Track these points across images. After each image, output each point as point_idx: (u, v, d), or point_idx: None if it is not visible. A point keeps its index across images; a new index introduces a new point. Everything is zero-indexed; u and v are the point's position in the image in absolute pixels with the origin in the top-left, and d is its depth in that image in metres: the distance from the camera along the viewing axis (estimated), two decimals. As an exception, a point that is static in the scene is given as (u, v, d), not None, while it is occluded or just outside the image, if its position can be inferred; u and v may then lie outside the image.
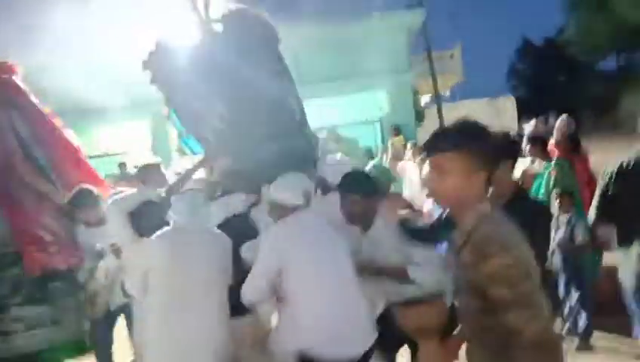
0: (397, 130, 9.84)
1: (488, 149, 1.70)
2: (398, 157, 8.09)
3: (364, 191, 2.99)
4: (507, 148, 2.64)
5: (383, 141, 10.47)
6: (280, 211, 2.86)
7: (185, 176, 3.60)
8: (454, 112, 20.22)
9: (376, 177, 3.36)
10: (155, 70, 3.75)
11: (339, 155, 4.38)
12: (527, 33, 34.22)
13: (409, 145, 8.01)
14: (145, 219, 3.32)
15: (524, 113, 20.85)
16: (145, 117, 10.85)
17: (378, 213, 3.07)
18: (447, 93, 26.66)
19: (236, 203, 3.44)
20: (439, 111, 12.54)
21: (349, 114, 10.91)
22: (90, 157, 10.58)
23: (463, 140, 1.69)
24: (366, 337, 2.68)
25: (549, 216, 3.31)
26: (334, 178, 3.36)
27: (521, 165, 5.00)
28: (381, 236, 2.99)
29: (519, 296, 1.56)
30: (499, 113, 23.11)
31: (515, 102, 23.53)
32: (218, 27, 3.77)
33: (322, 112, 10.69)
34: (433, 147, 1.74)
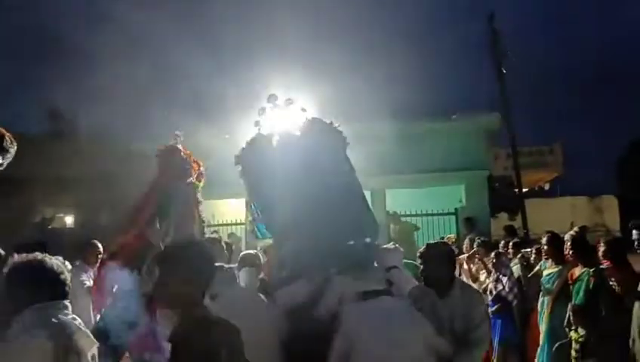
0: (471, 223, 10.33)
1: None
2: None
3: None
4: None
5: (458, 231, 11.01)
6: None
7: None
8: (552, 208, 20.21)
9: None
10: (244, 164, 4.59)
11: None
12: (636, 131, 32.49)
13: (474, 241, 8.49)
14: None
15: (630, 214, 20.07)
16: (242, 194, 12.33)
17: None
18: (547, 187, 26.29)
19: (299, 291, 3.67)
20: (522, 206, 12.85)
21: (430, 204, 11.61)
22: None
23: None
24: None
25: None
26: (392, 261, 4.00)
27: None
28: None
29: None
30: (600, 212, 22.47)
31: (617, 202, 22.73)
32: (297, 133, 4.49)
33: (408, 201, 11.65)
34: None
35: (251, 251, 4.63)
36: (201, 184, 5.53)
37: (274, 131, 4.61)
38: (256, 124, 4.78)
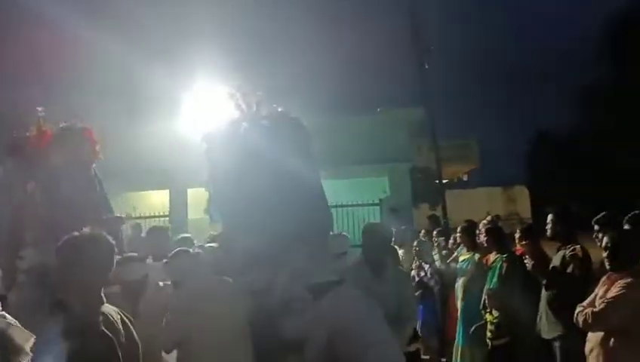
0: (394, 214, 10.68)
1: None
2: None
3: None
4: None
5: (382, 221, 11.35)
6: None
7: None
8: (469, 198, 21.25)
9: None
10: (210, 144, 4.41)
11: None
12: (542, 126, 34.66)
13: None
14: None
15: (539, 203, 21.49)
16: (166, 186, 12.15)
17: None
18: (465, 178, 27.59)
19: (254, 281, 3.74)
20: (442, 196, 13.40)
21: (355, 195, 11.87)
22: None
23: None
24: None
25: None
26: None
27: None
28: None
29: None
30: (513, 201, 23.92)
31: (527, 192, 24.27)
32: (265, 122, 4.37)
33: (332, 192, 11.82)
34: None
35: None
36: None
37: (238, 119, 4.45)
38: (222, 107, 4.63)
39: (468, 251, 6.12)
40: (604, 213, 4.88)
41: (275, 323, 3.42)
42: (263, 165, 4.10)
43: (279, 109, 4.49)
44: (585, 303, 3.66)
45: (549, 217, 4.88)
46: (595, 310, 3.49)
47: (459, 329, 5.86)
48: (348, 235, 5.67)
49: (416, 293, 6.71)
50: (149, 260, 4.53)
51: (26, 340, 2.31)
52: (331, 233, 4.85)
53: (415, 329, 5.06)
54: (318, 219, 4.17)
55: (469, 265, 5.90)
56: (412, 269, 7.19)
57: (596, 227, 4.77)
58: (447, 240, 8.00)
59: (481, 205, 19.45)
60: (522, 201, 23.97)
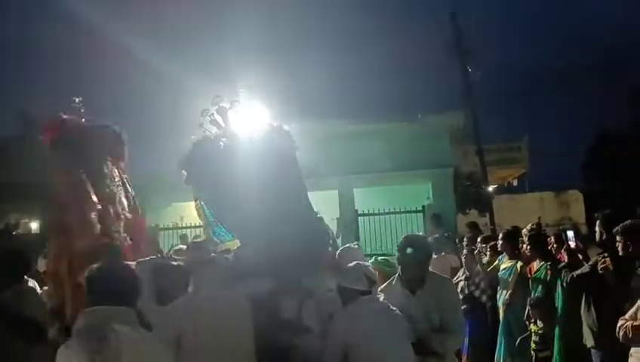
0: (437, 220, 10.47)
1: None
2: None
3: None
4: None
5: (426, 229, 11.18)
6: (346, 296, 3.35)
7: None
8: (520, 203, 20.65)
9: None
10: (189, 170, 4.34)
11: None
12: (597, 127, 33.12)
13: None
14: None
15: (595, 208, 20.45)
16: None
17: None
18: (515, 183, 26.80)
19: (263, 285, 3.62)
20: (489, 204, 13.14)
21: (398, 202, 11.79)
22: (161, 228, 12.02)
23: None
24: None
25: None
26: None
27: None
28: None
29: None
30: (566, 206, 23.04)
31: (582, 197, 23.31)
32: (245, 135, 4.33)
33: (374, 200, 11.82)
34: None
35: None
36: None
37: (222, 133, 4.40)
38: (201, 125, 4.58)
39: (510, 259, 5.95)
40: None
41: (283, 330, 3.38)
42: (244, 178, 4.04)
43: (259, 119, 4.40)
44: (627, 316, 3.52)
45: (597, 224, 4.72)
46: (635, 324, 3.36)
47: (499, 340, 5.68)
48: (360, 246, 5.48)
49: (463, 307, 6.16)
50: None
51: None
52: (349, 245, 4.78)
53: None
54: (307, 223, 4.07)
55: (511, 275, 5.72)
56: (459, 281, 6.74)
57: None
58: (492, 248, 7.72)
59: (532, 210, 18.87)
60: (576, 206, 23.07)
